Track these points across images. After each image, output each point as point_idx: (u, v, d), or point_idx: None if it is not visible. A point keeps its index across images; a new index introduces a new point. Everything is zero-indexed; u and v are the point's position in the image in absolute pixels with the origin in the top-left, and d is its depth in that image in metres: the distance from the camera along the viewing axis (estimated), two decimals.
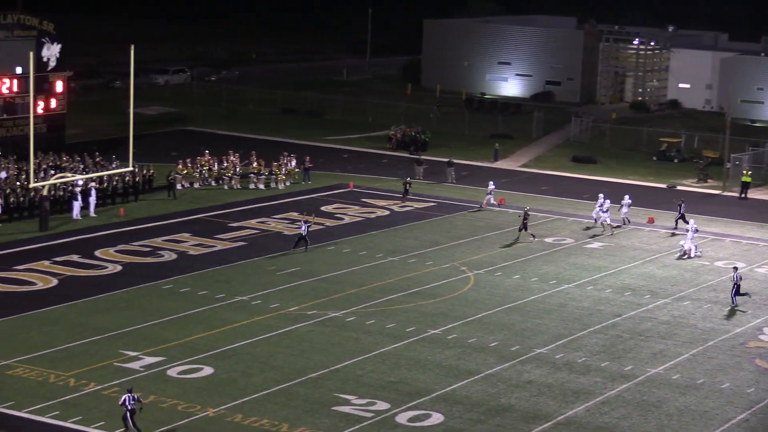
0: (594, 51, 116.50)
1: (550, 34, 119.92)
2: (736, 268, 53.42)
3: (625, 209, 65.98)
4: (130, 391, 35.92)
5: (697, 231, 61.16)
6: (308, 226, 58.24)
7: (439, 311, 49.41)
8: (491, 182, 69.69)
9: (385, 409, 38.79)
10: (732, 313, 51.23)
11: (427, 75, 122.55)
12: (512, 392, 40.83)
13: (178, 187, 69.39)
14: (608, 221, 64.41)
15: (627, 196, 66.89)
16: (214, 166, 72.30)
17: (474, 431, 37.49)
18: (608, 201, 65.09)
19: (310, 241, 58.22)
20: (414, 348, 44.75)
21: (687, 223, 62.43)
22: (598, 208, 64.93)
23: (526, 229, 61.53)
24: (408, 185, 70.34)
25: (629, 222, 66.02)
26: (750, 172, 77.13)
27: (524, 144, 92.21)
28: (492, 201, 68.58)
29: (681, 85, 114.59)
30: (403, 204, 68.70)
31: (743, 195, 76.20)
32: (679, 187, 78.52)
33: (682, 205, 65.64)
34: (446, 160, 78.65)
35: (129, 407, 35.61)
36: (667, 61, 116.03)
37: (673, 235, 64.33)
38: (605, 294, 53.25)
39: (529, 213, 62.62)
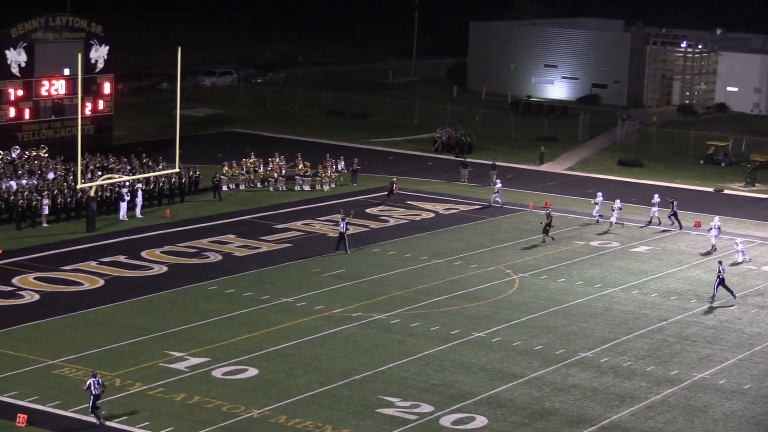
0: (641, 54, 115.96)
1: (596, 36, 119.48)
2: (720, 262, 53.75)
3: (654, 208, 66.25)
4: (95, 376, 36.39)
5: (719, 228, 61.78)
6: (346, 224, 58.31)
7: (484, 314, 49.31)
8: (499, 181, 69.90)
9: (429, 411, 38.75)
10: (711, 309, 51.63)
11: (473, 77, 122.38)
12: (557, 396, 40.67)
13: (224, 188, 69.67)
14: (614, 219, 65.26)
15: (657, 195, 67.05)
16: (259, 168, 72.50)
17: None
18: (618, 200, 65.82)
19: (354, 244, 58.32)
20: (458, 351, 44.68)
21: (678, 221, 65.28)
22: (598, 207, 65.89)
23: (547, 232, 61.11)
24: (393, 185, 70.05)
25: (660, 222, 66.05)
26: None
27: (570, 147, 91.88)
28: (498, 200, 68.52)
29: (729, 89, 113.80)
30: (389, 201, 68.68)
31: None
32: (726, 191, 78.00)
33: (674, 202, 66.01)
34: (490, 162, 78.48)
35: (94, 393, 36.10)
36: (715, 64, 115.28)
37: (663, 231, 64.99)
38: (651, 298, 52.95)
39: (552, 215, 61.95)
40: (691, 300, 52.80)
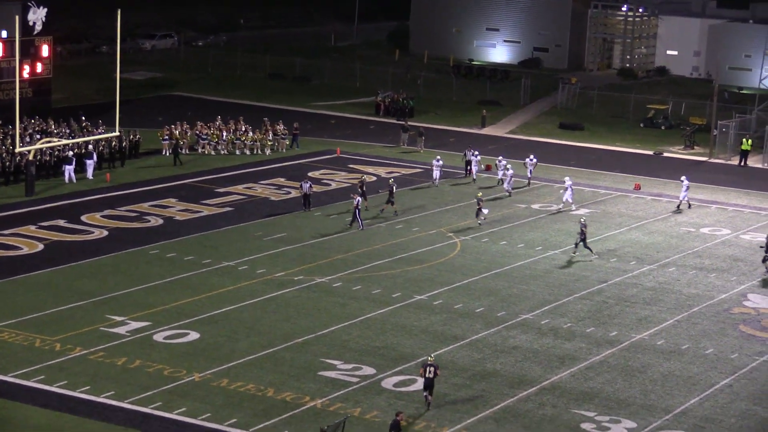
0: (582, 17, 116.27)
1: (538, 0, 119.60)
2: (353, 195, 56.28)
3: (530, 168, 67.11)
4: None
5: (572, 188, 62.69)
6: (310, 185, 58.80)
7: (426, 277, 49.49)
8: (437, 160, 68.09)
9: (371, 374, 38.90)
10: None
11: (415, 41, 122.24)
12: (498, 357, 40.96)
13: (165, 153, 69.31)
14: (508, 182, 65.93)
15: (532, 156, 67.80)
16: (199, 132, 72.02)
17: (459, 396, 37.64)
18: (534, 159, 66.95)
19: (296, 207, 58.41)
20: (400, 314, 44.85)
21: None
22: (502, 170, 65.80)
23: (392, 204, 58.90)
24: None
25: (529, 184, 66.93)
26: (750, 141, 76.65)
27: (512, 111, 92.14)
28: (436, 174, 67.38)
29: (669, 52, 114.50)
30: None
31: (743, 163, 75.81)
32: (665, 154, 78.62)
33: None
34: (418, 128, 77.35)
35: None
36: (656, 27, 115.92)
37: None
38: (591, 260, 53.34)
39: (394, 185, 59.38)
40: (630, 262, 53.28)
